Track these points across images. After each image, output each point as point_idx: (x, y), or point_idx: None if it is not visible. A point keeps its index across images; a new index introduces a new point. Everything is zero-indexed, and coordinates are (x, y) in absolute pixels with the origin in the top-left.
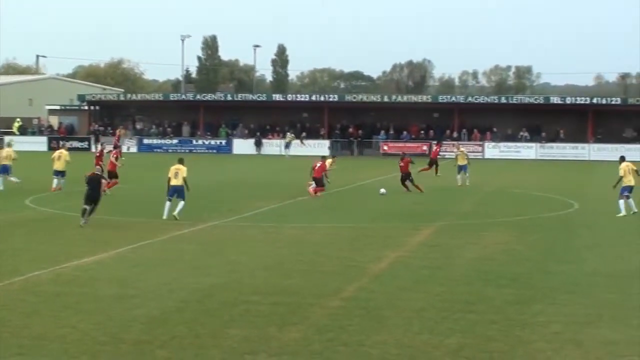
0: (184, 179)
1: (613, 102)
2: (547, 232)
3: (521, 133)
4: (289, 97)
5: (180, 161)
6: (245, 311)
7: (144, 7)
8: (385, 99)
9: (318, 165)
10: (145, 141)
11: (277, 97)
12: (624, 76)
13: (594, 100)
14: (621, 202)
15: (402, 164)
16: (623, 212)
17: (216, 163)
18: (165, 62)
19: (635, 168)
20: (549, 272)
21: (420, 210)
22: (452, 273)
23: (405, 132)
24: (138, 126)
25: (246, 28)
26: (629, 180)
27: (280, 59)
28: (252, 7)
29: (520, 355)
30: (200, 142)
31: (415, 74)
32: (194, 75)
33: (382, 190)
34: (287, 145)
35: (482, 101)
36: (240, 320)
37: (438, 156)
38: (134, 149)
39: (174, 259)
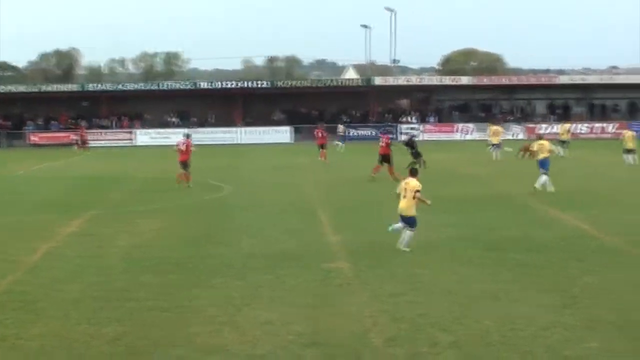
0: None
1: (261, 86)
2: (201, 216)
3: (171, 119)
4: None
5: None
6: None
7: None
8: (33, 89)
9: None
10: None
11: None
12: (272, 59)
13: (243, 84)
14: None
15: (382, 145)
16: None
17: None
18: None
19: (550, 148)
20: (204, 256)
21: (71, 200)
22: (108, 262)
23: (54, 122)
24: None
25: None
26: (544, 155)
27: None
28: None
29: (180, 339)
30: None
31: (63, 62)
32: None
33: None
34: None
35: (130, 88)
36: None
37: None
38: None
39: None
